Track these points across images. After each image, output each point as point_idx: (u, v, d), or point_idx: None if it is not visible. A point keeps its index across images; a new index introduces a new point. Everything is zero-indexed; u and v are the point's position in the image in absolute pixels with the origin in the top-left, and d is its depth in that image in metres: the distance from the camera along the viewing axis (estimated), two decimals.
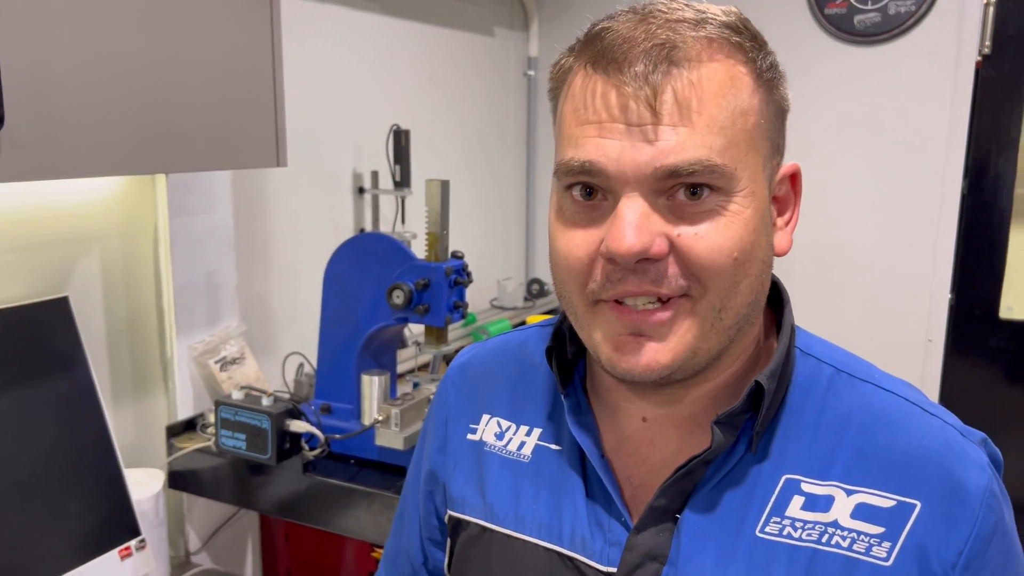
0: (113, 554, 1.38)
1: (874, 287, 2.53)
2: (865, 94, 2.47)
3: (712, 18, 0.64)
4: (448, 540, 0.85)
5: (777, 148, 0.68)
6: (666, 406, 0.71)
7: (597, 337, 0.66)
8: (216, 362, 1.67)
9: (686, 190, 0.61)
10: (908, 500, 0.64)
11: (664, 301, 0.63)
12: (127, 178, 1.56)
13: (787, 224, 0.71)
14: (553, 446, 0.77)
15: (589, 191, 0.64)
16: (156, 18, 1.17)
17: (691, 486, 0.68)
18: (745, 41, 0.65)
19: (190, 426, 1.67)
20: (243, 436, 1.48)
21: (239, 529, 1.81)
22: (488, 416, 0.83)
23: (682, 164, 0.60)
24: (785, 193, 0.71)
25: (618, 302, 0.64)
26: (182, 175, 1.60)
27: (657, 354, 0.64)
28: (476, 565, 0.79)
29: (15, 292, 1.38)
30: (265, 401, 1.48)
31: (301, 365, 1.90)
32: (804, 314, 2.78)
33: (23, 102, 1.00)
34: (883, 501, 0.65)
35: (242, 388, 1.53)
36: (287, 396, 1.58)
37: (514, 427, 0.81)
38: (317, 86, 2.00)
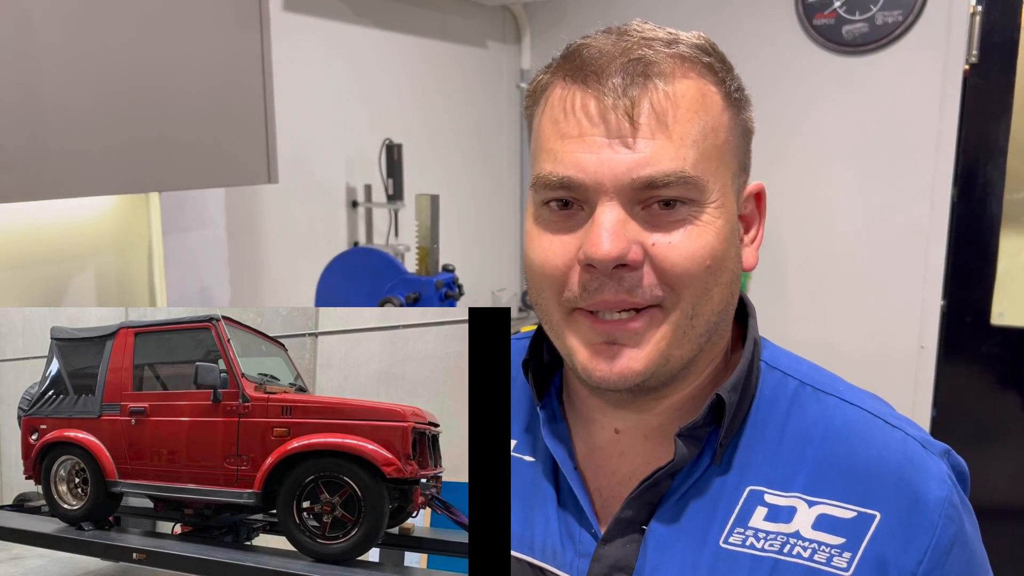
0: None
1: (865, 295, 2.54)
2: (854, 104, 2.49)
3: (684, 40, 0.67)
4: None
5: (744, 167, 0.71)
6: (636, 417, 0.72)
7: (572, 345, 0.67)
8: None
9: (660, 200, 0.64)
10: (868, 511, 0.65)
11: (637, 310, 0.65)
12: (121, 196, 1.57)
13: (753, 241, 0.73)
14: (527, 457, 0.78)
15: (566, 202, 0.66)
16: (145, 39, 1.18)
17: (657, 498, 0.70)
18: (715, 63, 0.67)
19: None
20: None
21: None
22: None
23: (658, 175, 0.62)
24: (751, 211, 0.73)
25: (592, 312, 0.65)
26: (175, 193, 1.62)
27: (631, 361, 0.65)
28: None
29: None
30: None
31: None
32: (795, 323, 2.78)
33: (11, 123, 1.01)
34: (844, 512, 0.66)
35: None
36: None
37: None
38: (310, 101, 2.01)
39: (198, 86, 1.28)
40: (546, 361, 0.78)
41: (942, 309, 2.44)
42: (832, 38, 2.49)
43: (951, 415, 2.46)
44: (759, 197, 0.74)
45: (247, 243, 1.84)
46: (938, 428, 2.46)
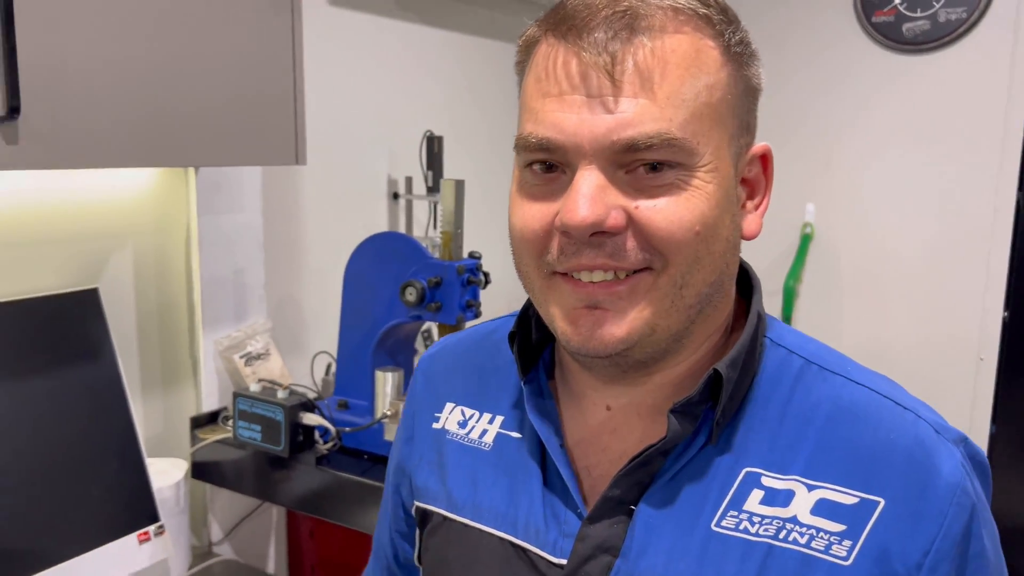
0: (132, 538, 1.42)
1: (923, 302, 2.44)
2: (915, 103, 2.41)
3: None
4: (417, 531, 0.84)
5: (747, 127, 0.66)
6: (629, 393, 0.70)
7: (553, 311, 0.65)
8: (241, 357, 1.71)
9: (646, 164, 0.60)
10: (871, 497, 0.61)
11: (622, 276, 0.62)
12: (160, 176, 1.62)
13: (757, 208, 0.68)
14: (514, 434, 0.76)
15: (549, 165, 0.63)
16: (175, 11, 1.22)
17: (648, 477, 0.66)
18: (714, 14, 0.62)
19: (214, 418, 1.71)
20: (258, 427, 1.51)
21: (262, 523, 1.85)
22: (452, 404, 0.82)
23: (640, 137, 0.58)
24: (755, 175, 0.68)
25: (573, 277, 0.63)
26: (212, 176, 1.66)
27: (613, 327, 0.62)
28: (435, 554, 0.78)
29: (49, 282, 1.45)
30: (280, 394, 1.51)
31: (329, 364, 1.94)
32: (848, 329, 2.71)
33: (40, 92, 1.05)
34: (845, 497, 0.62)
35: (260, 381, 1.57)
36: (306, 390, 1.61)
37: (477, 415, 0.79)
38: (355, 93, 2.05)
39: (227, 66, 1.31)
40: (535, 335, 0.75)
41: (1004, 319, 2.33)
42: (892, 36, 2.41)
43: (1011, 431, 2.35)
44: (765, 159, 0.68)
45: (283, 228, 1.88)
46: (997, 444, 2.35)
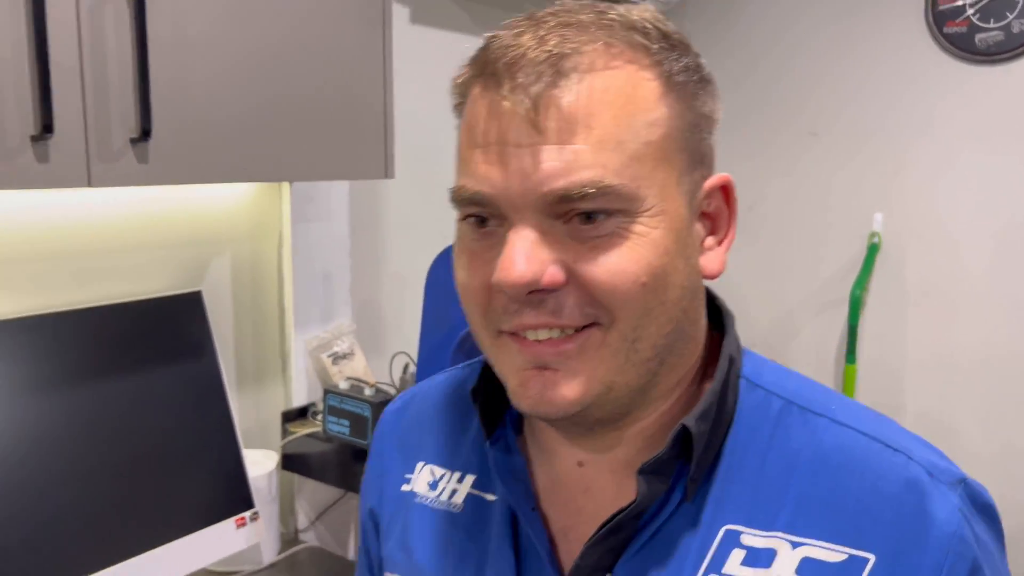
0: (230, 522, 1.54)
1: (993, 314, 2.43)
2: (987, 114, 2.40)
3: (615, 20, 0.57)
4: None
5: (700, 159, 0.60)
6: (599, 448, 0.65)
7: (504, 372, 0.61)
8: (328, 356, 1.83)
9: (582, 214, 0.55)
10: (860, 553, 0.56)
11: (570, 332, 0.57)
12: (257, 188, 1.74)
13: (720, 243, 0.63)
14: (487, 496, 0.70)
15: (485, 218, 0.59)
16: (279, 37, 1.32)
17: (623, 541, 0.61)
18: (652, 43, 0.57)
19: (303, 413, 1.83)
20: (347, 422, 1.62)
21: (344, 512, 1.96)
22: (423, 464, 0.76)
23: (571, 187, 0.54)
24: (716, 208, 0.63)
25: (520, 336, 0.58)
26: (304, 187, 1.77)
27: (564, 388, 0.57)
28: None
29: (157, 285, 1.58)
30: (368, 391, 1.62)
31: (407, 365, 2.04)
32: (915, 338, 2.70)
33: (167, 115, 1.17)
34: (831, 555, 0.57)
35: (349, 379, 1.67)
36: (388, 388, 1.71)
37: (448, 474, 0.74)
38: (434, 107, 2.13)
39: (328, 88, 1.42)
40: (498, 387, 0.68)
41: None
42: (964, 47, 2.41)
43: None
44: (726, 190, 0.63)
45: (368, 237, 1.99)
46: None
